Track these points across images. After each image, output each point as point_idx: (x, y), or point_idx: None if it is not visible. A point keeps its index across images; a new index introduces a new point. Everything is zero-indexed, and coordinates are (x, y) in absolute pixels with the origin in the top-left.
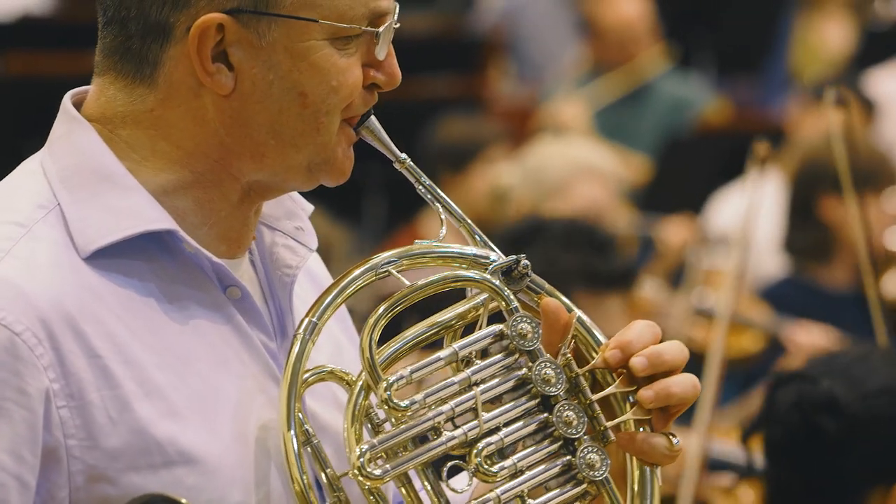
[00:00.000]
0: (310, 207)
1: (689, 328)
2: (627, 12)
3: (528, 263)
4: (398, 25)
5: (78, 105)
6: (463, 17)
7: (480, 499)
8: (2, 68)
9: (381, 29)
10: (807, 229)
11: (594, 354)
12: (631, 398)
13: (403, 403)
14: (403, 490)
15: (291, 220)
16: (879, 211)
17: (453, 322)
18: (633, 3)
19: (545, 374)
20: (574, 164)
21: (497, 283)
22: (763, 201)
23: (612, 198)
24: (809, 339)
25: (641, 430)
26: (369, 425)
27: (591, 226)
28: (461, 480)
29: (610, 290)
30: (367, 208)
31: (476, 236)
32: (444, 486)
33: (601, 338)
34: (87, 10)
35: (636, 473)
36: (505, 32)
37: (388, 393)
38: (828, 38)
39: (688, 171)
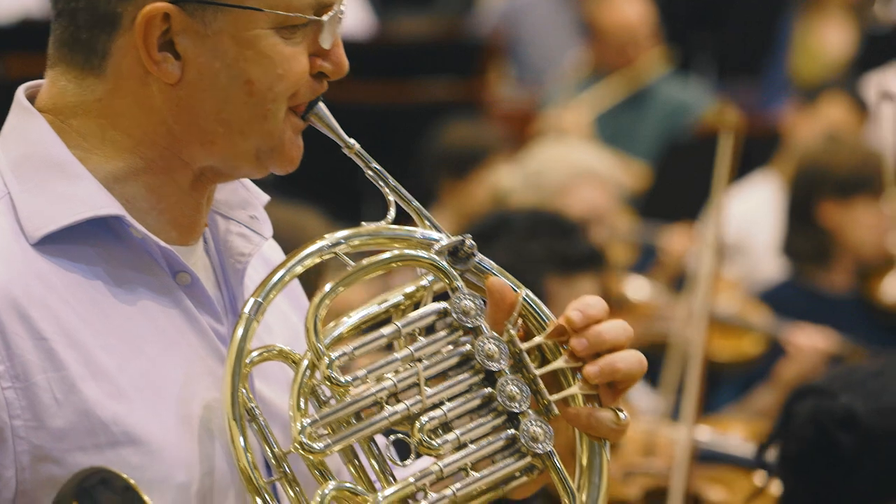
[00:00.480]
0: (265, 197)
1: (689, 331)
2: (628, 15)
3: (474, 244)
4: (344, 14)
5: (33, 98)
6: (462, 20)
7: (424, 471)
8: (2, 71)
9: (325, 18)
10: (806, 234)
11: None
12: (579, 374)
13: (345, 379)
14: (350, 466)
15: (246, 209)
16: (878, 214)
17: (401, 302)
18: (633, 5)
19: (488, 349)
20: (574, 169)
21: (442, 262)
22: (760, 204)
23: (612, 202)
24: (809, 341)
25: (589, 405)
26: (315, 402)
27: (554, 213)
28: (406, 454)
29: (580, 272)
30: (366, 210)
31: (425, 219)
32: (388, 460)
33: (549, 314)
34: None
35: (585, 448)
36: (505, 35)
37: (331, 369)
38: (828, 41)
39: (688, 176)
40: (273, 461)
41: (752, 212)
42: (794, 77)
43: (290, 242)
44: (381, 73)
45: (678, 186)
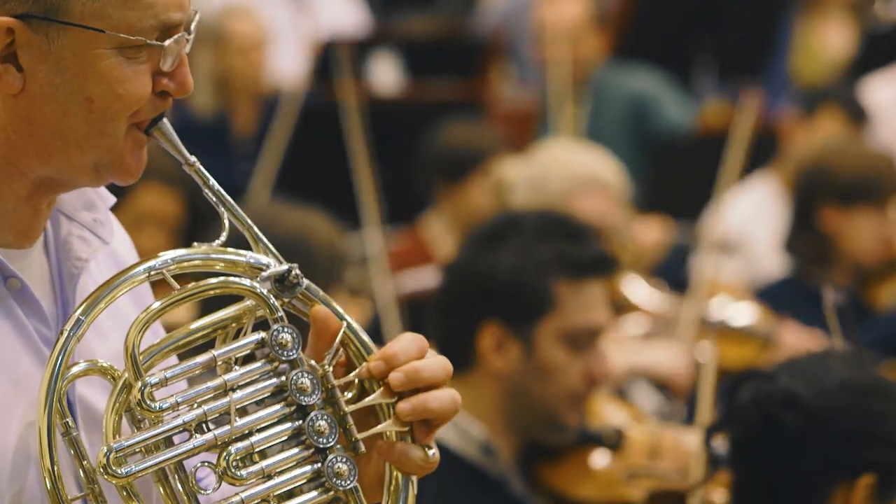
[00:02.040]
0: (111, 199)
1: (695, 338)
2: (561, 12)
3: (300, 273)
4: (192, 36)
5: None
6: (464, 20)
7: (226, 501)
8: None
9: (165, 43)
10: (806, 236)
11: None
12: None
13: (157, 405)
14: (160, 486)
15: (91, 211)
16: (880, 223)
17: (226, 324)
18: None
19: (301, 383)
20: (577, 176)
21: (264, 291)
22: (760, 205)
23: (616, 208)
24: (796, 339)
25: (402, 439)
26: (131, 419)
27: (564, 215)
28: (212, 481)
29: (589, 277)
30: (367, 213)
31: (259, 242)
32: (193, 486)
33: (372, 347)
34: None
35: (394, 478)
36: (506, 35)
37: (142, 394)
38: (828, 41)
39: (687, 175)
40: (83, 477)
41: (751, 212)
42: (795, 78)
43: (297, 244)
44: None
45: (677, 185)
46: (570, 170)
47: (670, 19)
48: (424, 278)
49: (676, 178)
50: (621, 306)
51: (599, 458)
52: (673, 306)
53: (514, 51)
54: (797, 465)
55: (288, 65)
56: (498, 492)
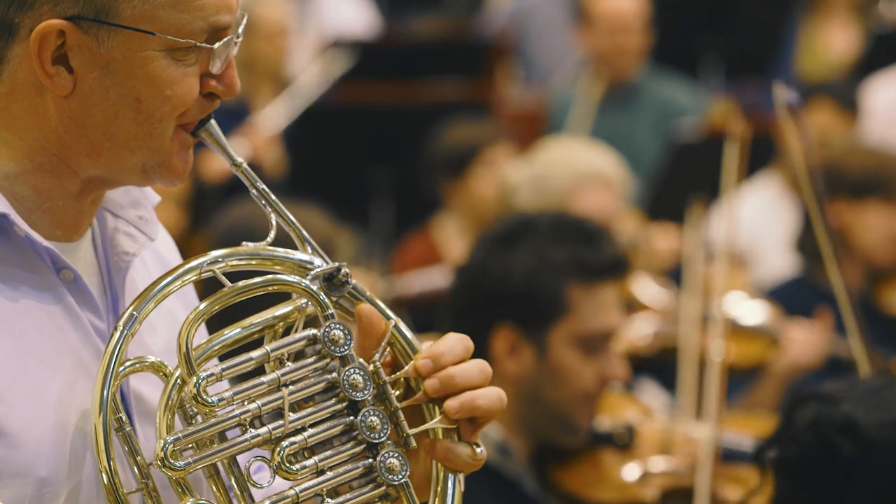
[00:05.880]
0: (156, 198)
1: (699, 335)
2: (621, 5)
3: (349, 272)
4: (241, 39)
5: None
6: (470, 21)
7: (280, 494)
8: None
9: (215, 46)
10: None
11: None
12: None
13: (211, 399)
14: (212, 482)
15: (136, 209)
16: (890, 218)
17: (274, 323)
18: None
19: (353, 379)
20: (580, 172)
21: (314, 288)
22: (766, 205)
23: (618, 205)
24: (804, 335)
25: (449, 438)
26: (183, 416)
27: (578, 218)
28: (265, 476)
29: (603, 280)
30: (375, 213)
31: (306, 242)
32: (247, 480)
33: (417, 346)
34: None
35: (441, 476)
36: (512, 36)
37: (198, 388)
38: (833, 41)
39: (692, 175)
40: (137, 471)
41: (757, 212)
42: (801, 78)
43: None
44: (389, 74)
45: (683, 187)
46: (571, 167)
47: (677, 20)
48: (435, 279)
49: (679, 179)
50: (630, 305)
51: (612, 459)
52: (681, 305)
53: (520, 51)
54: (846, 492)
55: (296, 64)
56: (513, 492)
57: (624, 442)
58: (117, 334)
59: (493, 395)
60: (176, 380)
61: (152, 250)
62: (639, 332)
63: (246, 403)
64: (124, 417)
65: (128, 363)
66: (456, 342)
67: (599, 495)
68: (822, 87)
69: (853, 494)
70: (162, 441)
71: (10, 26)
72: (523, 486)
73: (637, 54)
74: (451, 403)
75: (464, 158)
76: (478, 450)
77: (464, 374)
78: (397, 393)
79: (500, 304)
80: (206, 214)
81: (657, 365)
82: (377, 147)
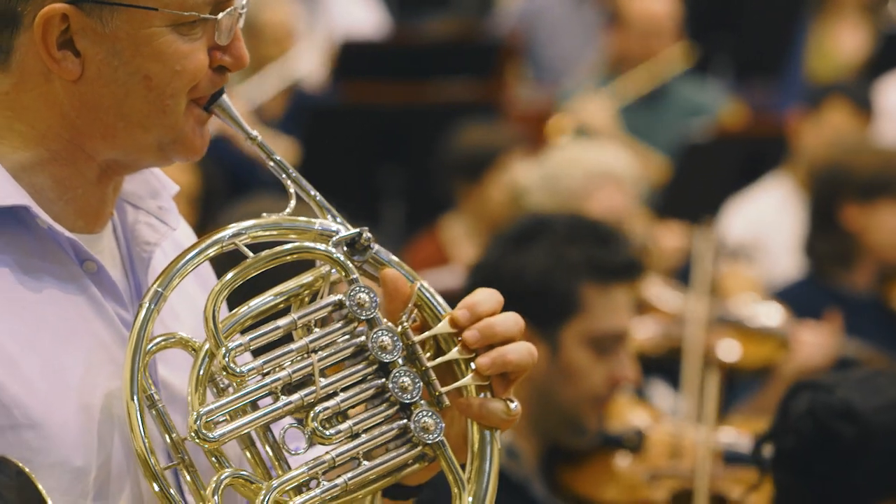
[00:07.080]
0: (174, 188)
1: (707, 336)
2: (654, 6)
3: (371, 236)
4: (245, 10)
5: None
6: (480, 21)
7: (317, 459)
8: None
9: (219, 16)
10: (829, 236)
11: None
12: (472, 364)
13: (241, 369)
14: (247, 452)
15: (155, 199)
16: None
17: (299, 291)
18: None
19: (382, 341)
20: (592, 172)
21: (338, 254)
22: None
23: (631, 204)
24: (813, 337)
25: (482, 395)
26: (214, 389)
27: (593, 219)
28: (300, 444)
29: (617, 281)
30: (386, 212)
31: (326, 210)
32: (282, 447)
33: (445, 307)
34: None
35: (476, 435)
36: (522, 36)
37: (227, 359)
38: (843, 41)
39: (703, 176)
40: (170, 446)
41: (766, 214)
42: (810, 78)
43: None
44: (399, 75)
45: (693, 186)
46: (582, 166)
47: (687, 20)
48: (442, 279)
49: (691, 179)
50: (639, 306)
51: (621, 461)
52: (690, 306)
53: (530, 52)
54: (847, 477)
55: (305, 65)
56: (520, 495)
57: (633, 444)
58: (143, 311)
59: (523, 350)
60: (205, 354)
61: (173, 240)
62: (647, 332)
63: (276, 371)
64: (156, 394)
65: (156, 340)
66: (489, 294)
67: (609, 497)
68: (838, 87)
69: (854, 479)
70: (195, 413)
71: (14, 16)
72: (530, 489)
73: (670, 55)
74: (482, 360)
75: (482, 163)
76: (512, 405)
77: (503, 323)
78: (428, 354)
79: (513, 301)
80: (215, 212)
81: (668, 366)
82: (387, 147)
